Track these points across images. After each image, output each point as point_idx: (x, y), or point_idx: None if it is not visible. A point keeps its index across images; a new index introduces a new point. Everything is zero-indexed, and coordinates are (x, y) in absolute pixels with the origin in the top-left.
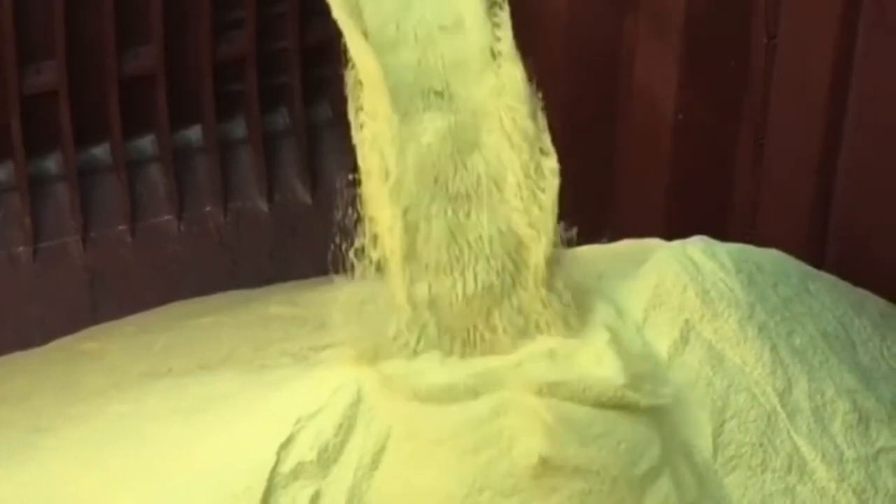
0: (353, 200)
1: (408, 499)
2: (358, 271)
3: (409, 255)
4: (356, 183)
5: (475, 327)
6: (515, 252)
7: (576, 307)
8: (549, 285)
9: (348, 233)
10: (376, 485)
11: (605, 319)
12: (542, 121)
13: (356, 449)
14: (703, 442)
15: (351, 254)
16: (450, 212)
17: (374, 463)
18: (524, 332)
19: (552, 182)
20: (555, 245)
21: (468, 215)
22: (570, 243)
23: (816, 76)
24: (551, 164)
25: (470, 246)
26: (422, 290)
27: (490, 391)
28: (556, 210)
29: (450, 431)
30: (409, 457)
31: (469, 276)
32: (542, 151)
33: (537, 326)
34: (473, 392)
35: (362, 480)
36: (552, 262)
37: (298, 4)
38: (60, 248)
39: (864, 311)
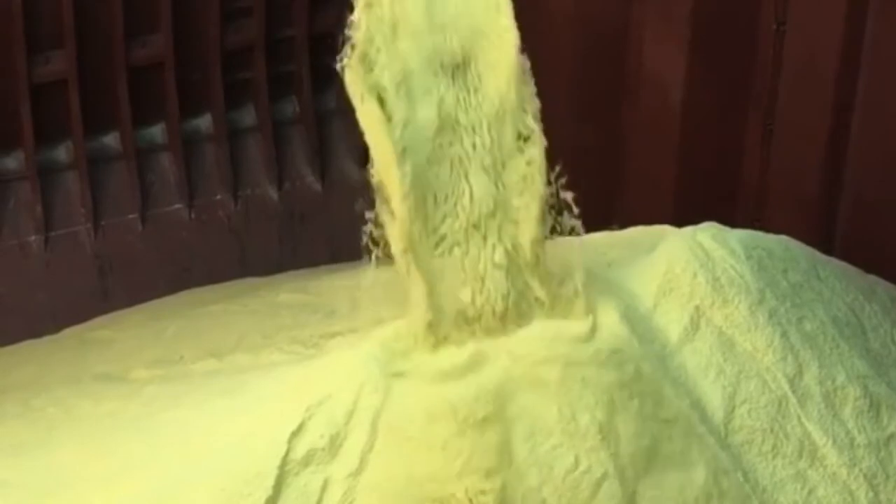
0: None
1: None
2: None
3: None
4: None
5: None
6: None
7: (584, 293)
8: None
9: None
10: (372, 464)
11: (616, 306)
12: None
13: (362, 432)
14: (714, 427)
15: (366, 239)
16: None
17: (370, 444)
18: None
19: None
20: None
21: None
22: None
23: (825, 63)
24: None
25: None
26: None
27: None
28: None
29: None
30: (402, 436)
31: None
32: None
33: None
34: (469, 371)
35: (363, 463)
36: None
37: None
38: (71, 237)
39: (875, 296)
